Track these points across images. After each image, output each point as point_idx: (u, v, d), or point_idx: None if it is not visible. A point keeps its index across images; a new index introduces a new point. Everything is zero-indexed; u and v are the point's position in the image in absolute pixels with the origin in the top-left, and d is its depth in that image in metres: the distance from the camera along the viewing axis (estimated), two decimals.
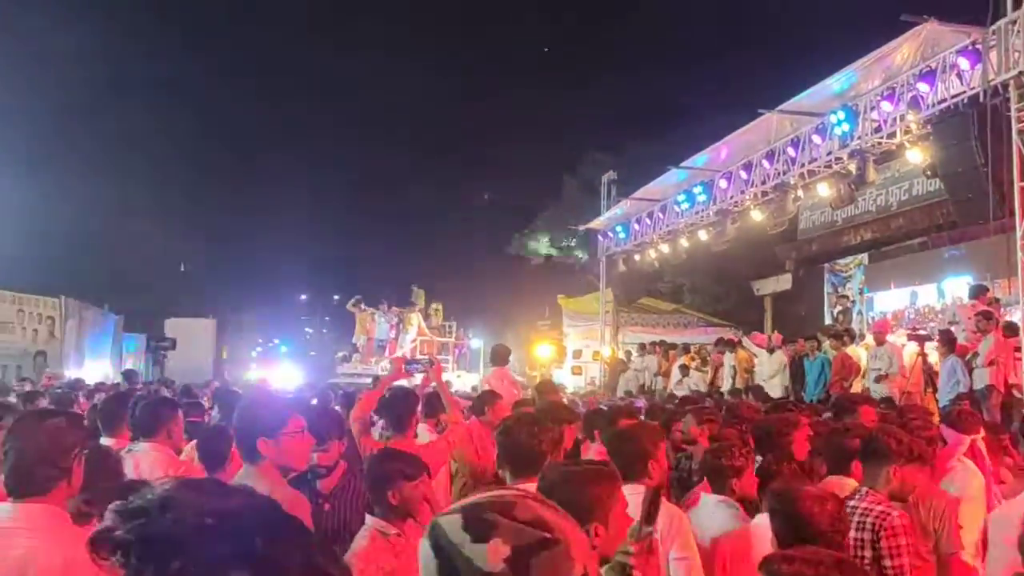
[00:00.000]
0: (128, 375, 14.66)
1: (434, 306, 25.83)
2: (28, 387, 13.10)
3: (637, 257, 20.33)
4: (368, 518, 3.41)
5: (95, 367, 24.64)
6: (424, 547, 1.17)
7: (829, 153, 13.21)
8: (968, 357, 10.80)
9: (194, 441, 5.09)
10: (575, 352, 24.20)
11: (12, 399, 9.66)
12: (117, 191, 30.87)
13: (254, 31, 44.06)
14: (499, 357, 9.44)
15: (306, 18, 45.39)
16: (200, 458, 4.55)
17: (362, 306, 22.35)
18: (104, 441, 4.85)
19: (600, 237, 22.13)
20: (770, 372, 13.96)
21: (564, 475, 2.38)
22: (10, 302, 23.34)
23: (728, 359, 15.40)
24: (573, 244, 29.33)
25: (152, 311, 30.86)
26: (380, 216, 47.33)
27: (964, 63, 10.57)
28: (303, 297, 49.26)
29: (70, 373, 20.18)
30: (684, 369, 16.67)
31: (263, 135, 45.01)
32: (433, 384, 6.09)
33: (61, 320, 24.27)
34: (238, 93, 43.52)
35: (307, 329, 47.15)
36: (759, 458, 4.24)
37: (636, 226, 19.87)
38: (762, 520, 3.32)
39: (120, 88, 34.83)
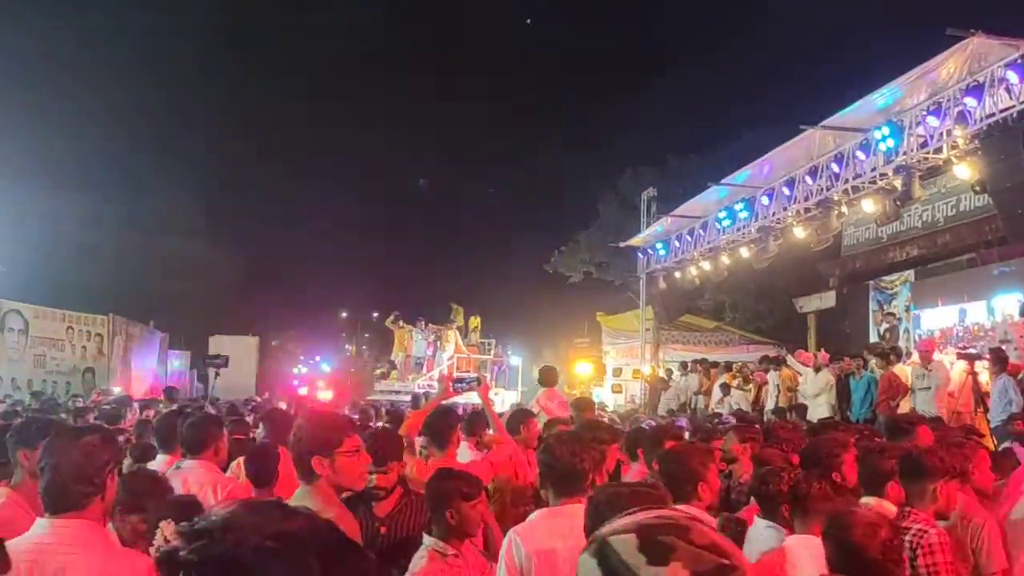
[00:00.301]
0: (168, 392, 14.88)
1: (473, 323, 25.84)
2: (80, 403, 13.46)
3: (678, 274, 20.19)
4: (425, 538, 3.41)
5: (141, 383, 25.33)
6: (588, 564, 1.13)
7: (873, 169, 13.03)
8: (1020, 376, 10.47)
9: (240, 458, 5.14)
10: (615, 370, 24.08)
11: (63, 415, 10.02)
12: (164, 210, 31.71)
13: (300, 51, 44.98)
14: (548, 378, 9.38)
15: (350, 39, 46.12)
16: (248, 475, 4.57)
17: (400, 323, 22.59)
18: (160, 458, 5.02)
19: (640, 254, 22.06)
20: (815, 391, 13.74)
21: (613, 496, 2.36)
22: (60, 320, 23.62)
23: (772, 377, 15.20)
24: (612, 261, 29.05)
25: (196, 329, 31.32)
26: (419, 233, 48.75)
27: (1013, 76, 10.38)
28: (343, 314, 49.80)
29: (118, 388, 20.71)
30: (726, 388, 16.50)
31: (309, 155, 46.24)
32: (478, 402, 6.23)
33: (109, 337, 24.81)
34: (287, 115, 44.92)
35: (347, 346, 47.53)
36: None
37: (676, 243, 19.75)
38: (795, 540, 3.32)
39: (167, 106, 35.63)
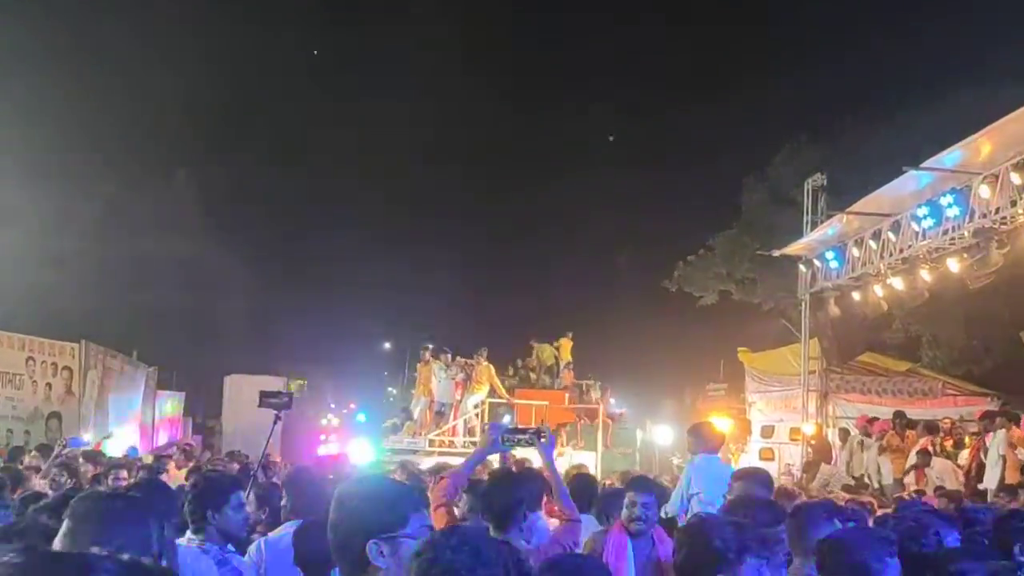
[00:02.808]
0: (183, 451, 16.06)
1: (563, 349, 26.61)
2: (37, 461, 13.77)
3: (856, 295, 19.97)
4: None
5: (122, 433, 25.65)
6: None
7: None
8: None
9: (261, 540, 5.45)
10: (764, 429, 24.23)
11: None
12: (158, 211, 32.65)
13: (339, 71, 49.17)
14: (707, 440, 9.24)
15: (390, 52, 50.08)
16: (299, 564, 4.77)
17: (428, 356, 22.79)
18: (190, 538, 5.33)
19: (801, 267, 21.98)
20: None
21: None
22: (18, 347, 24.06)
23: (995, 442, 14.70)
24: (760, 277, 29.28)
25: (195, 363, 32.67)
26: (490, 246, 51.20)
27: None
28: (386, 346, 50.61)
29: (90, 437, 21.19)
30: (925, 456, 16.06)
31: (344, 149, 48.92)
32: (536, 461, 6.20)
33: (80, 371, 25.20)
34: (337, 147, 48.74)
35: (390, 389, 48.28)
36: None
37: (855, 251, 19.42)
38: None
39: (160, 84, 37.22)
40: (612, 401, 28.06)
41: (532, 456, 7.83)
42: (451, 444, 21.33)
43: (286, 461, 19.34)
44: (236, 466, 13.67)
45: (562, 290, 40.87)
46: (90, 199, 29.67)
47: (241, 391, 26.80)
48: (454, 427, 21.96)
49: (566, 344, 26.55)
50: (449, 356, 22.77)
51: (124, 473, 11.45)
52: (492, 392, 22.40)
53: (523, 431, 6.07)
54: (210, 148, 40.19)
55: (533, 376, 27.49)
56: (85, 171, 30.32)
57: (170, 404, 31.56)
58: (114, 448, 20.51)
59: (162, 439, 29.62)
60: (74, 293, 28.00)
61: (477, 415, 21.91)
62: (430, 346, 22.99)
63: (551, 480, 6.05)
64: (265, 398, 9.92)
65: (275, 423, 9.61)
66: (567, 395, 25.12)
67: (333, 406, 47.39)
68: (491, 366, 22.46)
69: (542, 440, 6.09)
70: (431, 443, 21.22)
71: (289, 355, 39.67)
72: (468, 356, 22.93)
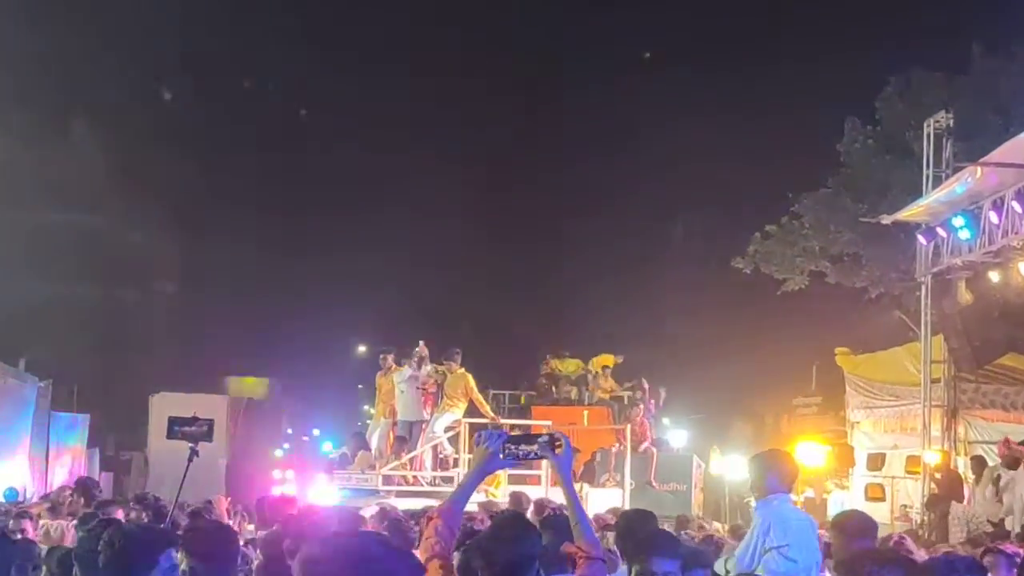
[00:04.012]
0: (83, 485, 15.67)
1: (602, 364, 26.84)
2: None
3: (994, 276, 19.89)
4: None
5: (2, 469, 25.76)
6: None
7: None
8: None
9: None
10: (871, 459, 24.24)
11: None
12: (45, 161, 32.78)
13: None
14: (783, 474, 9.12)
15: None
16: None
17: (390, 363, 22.42)
18: None
19: (920, 238, 21.79)
20: None
21: None
22: None
23: None
24: (865, 252, 28.90)
25: (104, 375, 32.76)
26: (499, 224, 51.59)
27: None
28: (360, 349, 50.99)
29: None
30: None
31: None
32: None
33: None
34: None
35: (366, 408, 48.59)
36: None
37: (992, 216, 19.08)
38: None
39: None
40: (664, 423, 28.33)
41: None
42: (415, 481, 20.95)
43: (235, 503, 19.46)
44: (145, 516, 13.25)
45: (595, 279, 40.94)
46: None
47: (164, 411, 26.59)
48: (419, 456, 21.45)
49: (606, 360, 27.08)
50: (415, 359, 22.24)
51: None
52: (472, 410, 22.04)
53: (531, 438, 6.07)
54: (121, 85, 40.29)
55: (554, 389, 28.03)
56: None
57: (73, 430, 31.78)
58: None
59: (60, 477, 29.60)
60: None
61: (452, 441, 21.51)
62: (392, 351, 22.83)
63: (568, 503, 6.13)
64: (176, 427, 10.07)
65: (190, 459, 9.83)
66: (610, 412, 25.40)
67: (290, 431, 47.58)
68: (469, 375, 21.97)
69: (557, 451, 6.05)
70: (386, 479, 20.72)
71: (232, 365, 40.03)
72: (439, 361, 22.43)
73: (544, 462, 7.25)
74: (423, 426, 21.82)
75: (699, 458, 26.83)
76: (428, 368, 21.92)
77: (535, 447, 6.02)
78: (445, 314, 44.71)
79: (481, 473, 6.18)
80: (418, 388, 21.94)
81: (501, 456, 5.97)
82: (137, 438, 32.05)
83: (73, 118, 37.45)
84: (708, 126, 39.92)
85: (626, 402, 26.03)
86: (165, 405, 29.19)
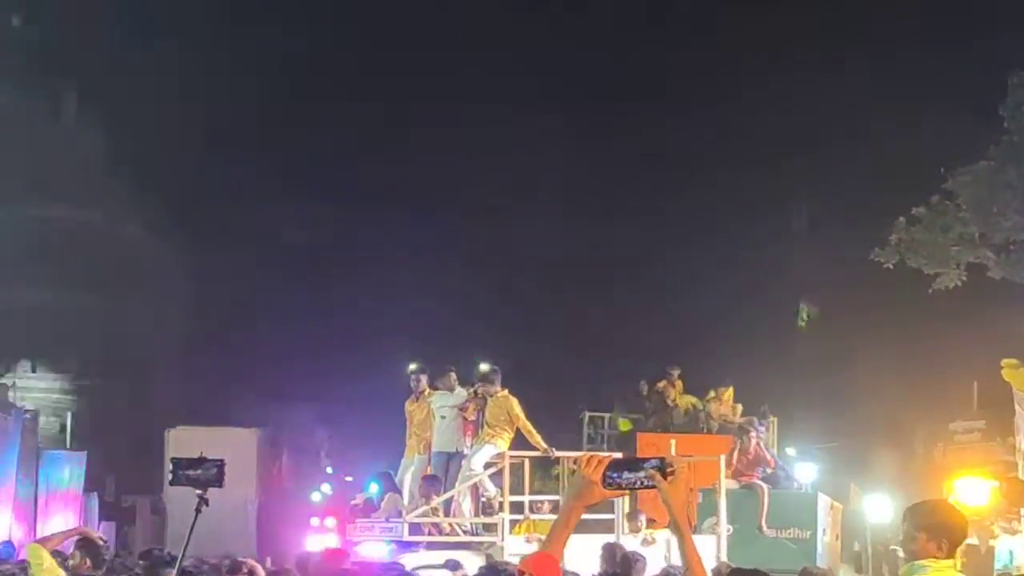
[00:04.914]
0: (88, 544, 13.01)
1: (723, 397, 25.61)
2: None
3: None
4: None
5: None
6: None
7: None
8: None
9: None
10: None
11: None
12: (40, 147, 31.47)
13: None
14: (940, 530, 7.86)
15: None
16: None
17: (423, 386, 20.51)
18: None
19: None
20: None
21: None
22: None
23: None
24: None
25: (109, 407, 30.26)
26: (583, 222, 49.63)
27: None
28: (410, 367, 48.88)
29: None
30: None
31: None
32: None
33: None
34: None
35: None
36: None
37: None
38: None
39: None
40: (787, 454, 26.67)
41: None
42: (450, 529, 19.01)
43: (263, 556, 19.47)
44: None
45: (700, 281, 38.41)
46: None
47: (191, 448, 24.82)
48: (455, 499, 19.45)
49: (724, 393, 25.60)
50: (450, 377, 20.17)
51: None
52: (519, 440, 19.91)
53: (636, 464, 5.53)
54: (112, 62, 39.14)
55: (665, 413, 26.37)
56: None
57: (66, 471, 29.60)
58: None
59: (53, 527, 27.24)
60: None
61: (494, 479, 19.62)
62: (427, 370, 20.85)
63: (680, 545, 5.70)
64: (179, 470, 9.30)
65: (198, 509, 9.24)
66: (734, 442, 22.92)
67: (330, 471, 45.76)
68: (513, 398, 19.80)
69: (668, 477, 5.50)
70: (414, 528, 18.70)
71: (259, 391, 37.64)
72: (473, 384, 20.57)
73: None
74: (462, 457, 20.20)
75: (833, 495, 24.72)
76: (448, 397, 20.20)
77: (642, 474, 5.53)
78: (527, 330, 43.79)
79: (577, 507, 5.53)
80: (457, 418, 20.05)
81: (604, 483, 5.53)
82: (142, 480, 30.69)
83: (86, 116, 36.71)
84: (836, 90, 37.86)
85: (745, 432, 23.69)
86: (184, 441, 28.03)
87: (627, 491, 6.04)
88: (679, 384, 27.29)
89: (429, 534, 18.93)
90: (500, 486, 19.27)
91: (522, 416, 19.60)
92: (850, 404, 30.84)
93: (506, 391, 19.95)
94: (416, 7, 58.70)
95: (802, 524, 23.48)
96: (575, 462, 4.65)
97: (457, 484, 19.63)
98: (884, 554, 24.35)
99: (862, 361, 31.35)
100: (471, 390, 20.14)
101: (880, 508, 24.74)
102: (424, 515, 18.86)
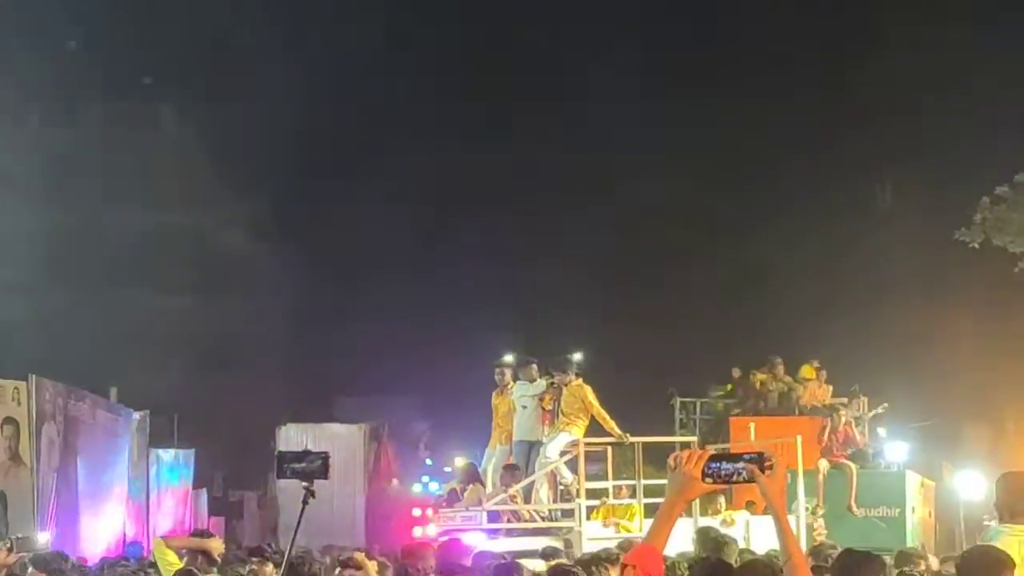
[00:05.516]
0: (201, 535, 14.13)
1: (806, 374, 25.83)
2: None
3: None
4: None
5: (97, 524, 24.94)
6: None
7: None
8: None
9: None
10: None
11: None
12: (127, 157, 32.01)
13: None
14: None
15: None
16: None
17: (507, 379, 20.62)
18: None
19: None
20: None
21: None
22: None
23: None
24: None
25: (211, 405, 31.37)
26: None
27: None
28: (506, 359, 49.37)
29: (46, 539, 19.42)
30: None
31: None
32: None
33: (31, 424, 23.97)
34: None
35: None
36: None
37: None
38: None
39: None
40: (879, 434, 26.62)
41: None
42: (529, 516, 19.03)
43: (374, 547, 18.76)
44: (269, 569, 12.50)
45: (793, 261, 38.17)
46: (31, 151, 29.26)
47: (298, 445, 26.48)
48: (532, 485, 19.52)
49: (807, 370, 25.88)
50: (533, 365, 20.50)
51: None
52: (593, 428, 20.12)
53: (734, 457, 5.61)
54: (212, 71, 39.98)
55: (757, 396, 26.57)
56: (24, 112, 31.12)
57: (176, 468, 30.34)
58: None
59: (164, 524, 28.49)
60: (9, 299, 27.14)
61: (570, 466, 19.71)
62: (511, 364, 21.38)
63: (779, 536, 5.64)
64: (285, 464, 9.51)
65: (305, 501, 9.33)
66: (827, 426, 23.28)
67: (430, 463, 45.88)
68: (587, 387, 20.05)
69: (767, 471, 5.52)
70: (493, 516, 18.82)
71: (361, 388, 39.47)
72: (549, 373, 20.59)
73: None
74: (544, 445, 20.28)
75: (925, 474, 25.27)
76: (529, 386, 20.30)
77: (740, 467, 5.57)
78: (619, 318, 43.85)
79: (679, 501, 5.68)
80: (536, 408, 20.28)
81: (703, 480, 5.58)
82: (249, 476, 31.49)
83: (180, 118, 37.80)
84: (923, 68, 37.81)
85: (837, 412, 24.19)
86: (293, 438, 28.87)
87: (726, 484, 5.84)
88: (778, 370, 27.28)
89: (508, 521, 19.03)
90: (576, 473, 19.51)
91: (596, 404, 19.90)
92: (941, 383, 30.67)
93: (580, 380, 20.24)
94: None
95: (891, 503, 23.64)
96: (674, 458, 4.80)
97: (536, 470, 20.05)
98: (978, 530, 23.42)
99: (951, 340, 31.10)
100: (548, 381, 20.35)
101: (972, 484, 24.56)
102: (501, 503, 19.07)
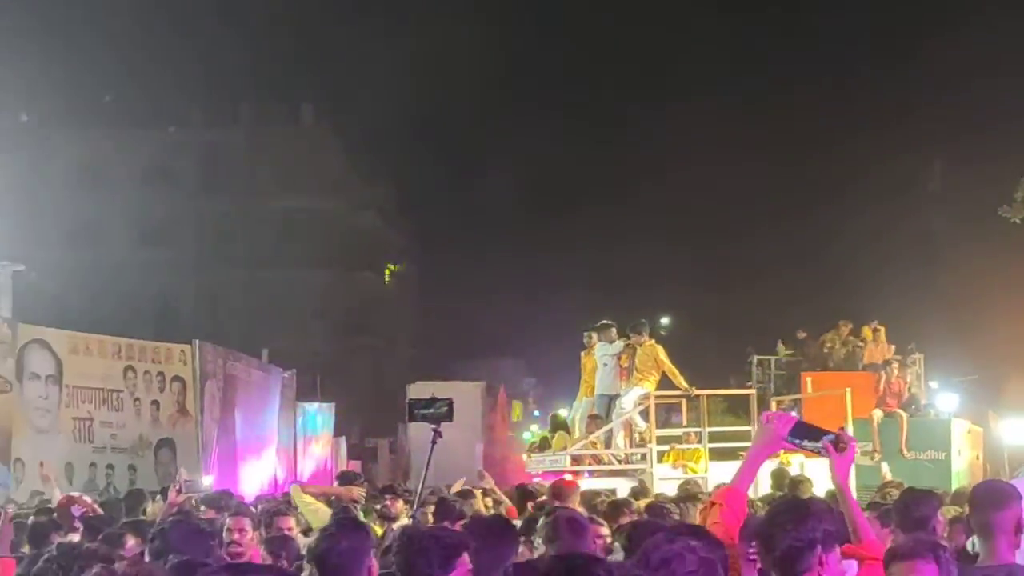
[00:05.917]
0: (347, 480, 14.38)
1: (866, 330, 26.51)
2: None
3: None
4: None
5: (252, 468, 26.41)
6: None
7: None
8: None
9: None
10: None
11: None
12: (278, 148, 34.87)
13: None
14: None
15: None
16: None
17: (593, 340, 21.92)
18: None
19: None
20: None
21: None
22: (113, 355, 24.12)
23: None
24: None
25: (346, 365, 33.15)
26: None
27: None
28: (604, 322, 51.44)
29: (209, 482, 21.58)
30: None
31: None
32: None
33: (196, 382, 25.54)
34: None
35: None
36: None
37: None
38: None
39: None
40: (929, 386, 27.55)
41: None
42: (608, 460, 20.69)
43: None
44: (399, 504, 13.34)
45: (844, 235, 41.68)
46: (190, 138, 29.87)
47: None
48: (611, 432, 20.95)
49: (865, 332, 26.71)
50: (613, 331, 21.56)
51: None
52: (664, 383, 21.28)
53: (817, 433, 5.98)
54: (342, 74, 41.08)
55: (825, 352, 27.35)
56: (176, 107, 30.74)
57: (319, 420, 32.08)
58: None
59: (309, 467, 30.45)
60: (181, 280, 28.20)
61: (643, 416, 20.92)
62: (598, 327, 22.06)
63: (843, 506, 6.03)
64: (416, 410, 10.56)
65: (433, 441, 10.23)
66: (883, 377, 24.16)
67: (537, 414, 47.26)
68: (659, 346, 21.47)
69: (839, 450, 5.93)
70: (575, 459, 20.36)
71: (478, 350, 41.05)
72: (626, 334, 21.74)
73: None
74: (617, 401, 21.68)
75: (976, 422, 25.79)
76: (608, 347, 21.46)
77: (819, 444, 5.96)
78: (700, 281, 47.48)
79: (764, 453, 6.23)
80: (615, 365, 21.40)
81: (787, 439, 5.99)
82: (381, 425, 32.35)
83: (323, 122, 39.27)
84: (970, 51, 39.32)
85: (891, 367, 24.76)
86: (422, 393, 29.36)
87: (800, 451, 6.70)
88: (843, 331, 27.77)
89: (589, 464, 20.43)
90: (648, 421, 20.71)
91: (667, 361, 20.96)
92: (989, 339, 30.76)
93: (652, 340, 21.42)
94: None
95: (937, 447, 23.95)
96: (767, 417, 5.81)
97: (613, 422, 21.22)
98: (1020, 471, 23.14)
99: (996, 304, 30.49)
100: (625, 341, 21.41)
101: (1015, 431, 24.77)
102: (584, 448, 20.55)
